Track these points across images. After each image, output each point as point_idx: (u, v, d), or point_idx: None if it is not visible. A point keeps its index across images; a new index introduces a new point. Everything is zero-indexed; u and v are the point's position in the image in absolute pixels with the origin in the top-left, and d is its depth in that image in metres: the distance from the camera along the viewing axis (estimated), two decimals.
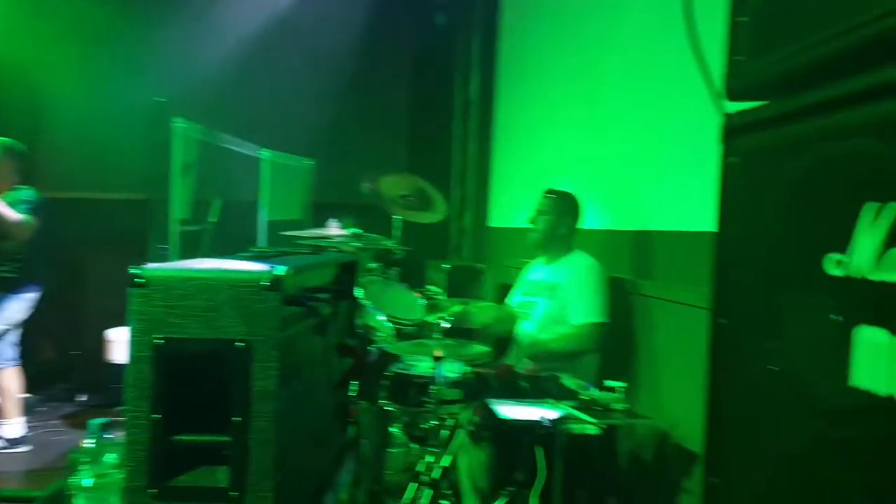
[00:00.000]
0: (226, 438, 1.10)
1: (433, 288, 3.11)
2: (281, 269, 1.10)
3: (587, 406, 2.23)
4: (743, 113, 1.01)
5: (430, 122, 5.43)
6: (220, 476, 1.11)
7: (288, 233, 2.77)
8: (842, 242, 0.76)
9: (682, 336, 2.39)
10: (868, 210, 0.72)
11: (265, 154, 4.47)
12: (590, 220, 2.98)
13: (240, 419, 1.10)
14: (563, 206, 2.84)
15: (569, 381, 2.58)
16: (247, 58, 4.73)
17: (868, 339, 0.72)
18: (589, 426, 2.17)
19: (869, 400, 0.72)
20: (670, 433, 2.40)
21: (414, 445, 2.60)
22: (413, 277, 3.08)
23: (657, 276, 2.66)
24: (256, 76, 4.84)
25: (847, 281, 0.75)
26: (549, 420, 2.14)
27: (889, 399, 0.69)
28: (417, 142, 5.40)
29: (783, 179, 0.89)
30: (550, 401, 2.27)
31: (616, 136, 3.10)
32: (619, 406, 2.24)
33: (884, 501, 0.70)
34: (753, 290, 0.94)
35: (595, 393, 2.29)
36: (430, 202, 3.28)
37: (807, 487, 0.83)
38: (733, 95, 1.03)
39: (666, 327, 2.54)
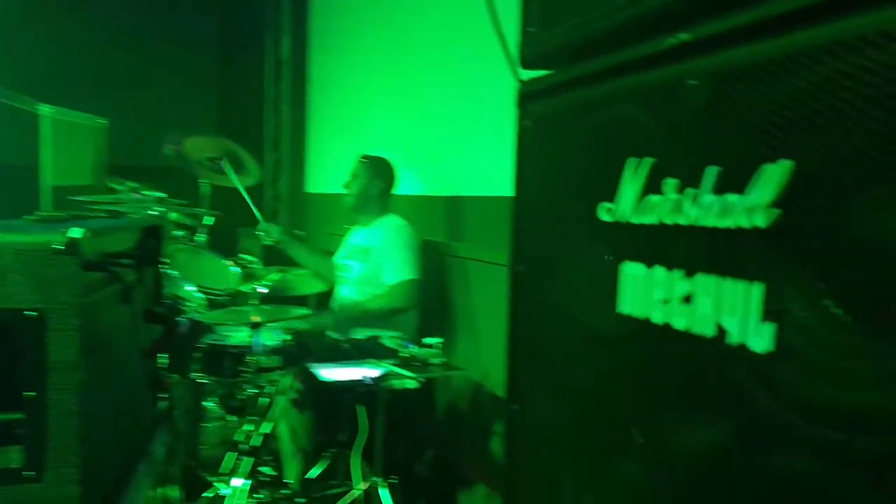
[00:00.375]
0: (18, 416, 1.03)
1: (247, 256, 3.04)
2: (77, 232, 1.04)
3: (407, 363, 2.35)
4: (534, 80, 1.13)
5: (240, 81, 5.20)
6: (13, 456, 1.05)
7: (78, 198, 2.54)
8: (611, 193, 0.90)
9: (492, 292, 2.59)
10: (629, 165, 0.87)
11: (45, 110, 3.99)
12: (406, 185, 3.09)
13: (34, 394, 1.04)
14: (375, 169, 2.91)
15: (388, 341, 2.68)
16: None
17: (630, 273, 0.88)
18: (408, 381, 2.29)
19: (631, 324, 0.88)
20: (484, 383, 2.60)
21: (231, 418, 2.56)
22: (225, 246, 2.98)
23: (469, 238, 2.85)
24: (36, 20, 4.29)
25: (615, 225, 0.90)
26: (371, 378, 2.23)
27: (646, 321, 0.85)
28: (227, 102, 5.15)
29: (568, 141, 1.02)
30: (371, 360, 2.36)
31: (427, 105, 3.22)
32: (437, 360, 2.39)
33: (651, 409, 0.86)
34: (545, 239, 1.08)
35: (414, 350, 2.41)
36: (242, 166, 3.18)
37: (590, 404, 0.99)
38: (526, 64, 1.15)
39: (478, 285, 2.73)
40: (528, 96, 1.13)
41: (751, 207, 0.69)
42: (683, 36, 0.80)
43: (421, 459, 2.70)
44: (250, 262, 2.94)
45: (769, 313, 0.69)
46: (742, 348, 0.71)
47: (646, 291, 0.85)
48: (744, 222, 0.70)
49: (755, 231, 0.69)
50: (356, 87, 4.20)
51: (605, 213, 0.91)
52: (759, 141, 0.69)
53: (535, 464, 1.13)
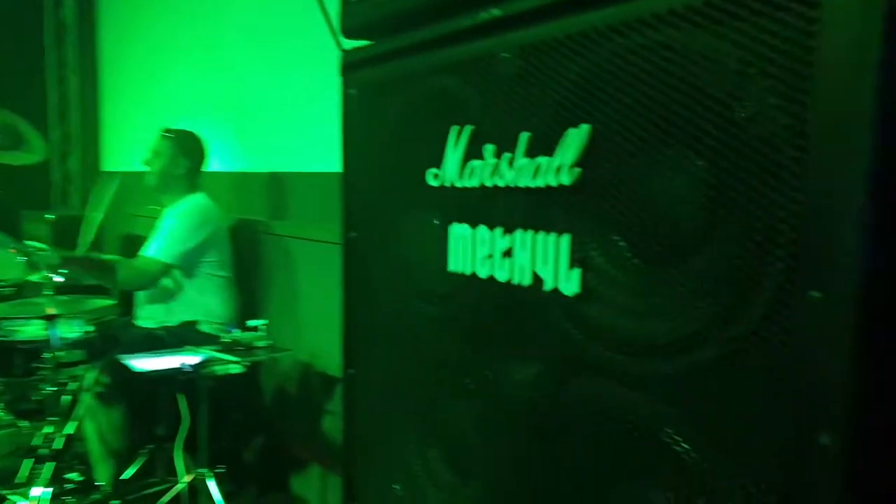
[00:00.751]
0: None
1: (34, 243, 2.74)
2: None
3: (230, 348, 2.30)
4: (357, 50, 1.17)
5: (16, 47, 4.61)
6: None
7: None
8: (438, 159, 0.97)
9: (319, 270, 2.60)
10: (452, 132, 0.94)
11: None
12: (222, 162, 2.97)
13: None
14: (180, 145, 2.76)
15: (207, 327, 2.59)
16: None
17: (457, 233, 0.96)
18: (232, 366, 2.24)
19: (460, 280, 0.96)
20: (312, 362, 2.61)
21: (23, 423, 2.33)
22: (6, 230, 2.67)
23: (292, 216, 2.82)
24: None
25: (442, 189, 0.97)
26: (190, 366, 2.15)
27: (473, 276, 0.94)
28: (2, 70, 4.55)
29: (393, 109, 1.08)
30: (190, 348, 2.27)
31: (243, 75, 3.11)
32: (262, 343, 2.36)
33: (481, 356, 0.95)
34: (376, 205, 1.13)
35: (237, 334, 2.36)
36: (23, 141, 2.85)
37: (423, 361, 1.07)
38: (348, 34, 1.19)
39: (303, 264, 2.72)
40: (351, 65, 1.17)
41: (557, 167, 0.79)
42: (495, 11, 0.89)
43: (249, 446, 2.66)
44: (37, 249, 2.67)
45: (575, 261, 0.80)
46: (555, 293, 0.82)
47: (471, 249, 0.93)
48: (552, 181, 0.80)
49: (561, 188, 0.80)
50: (157, 57, 3.92)
51: (432, 178, 0.99)
52: (563, 108, 0.79)
53: (375, 425, 1.19)
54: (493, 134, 0.89)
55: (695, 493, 0.69)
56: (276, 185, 2.91)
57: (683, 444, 0.70)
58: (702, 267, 0.67)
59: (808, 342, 0.59)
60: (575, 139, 0.77)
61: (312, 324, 2.66)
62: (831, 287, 0.57)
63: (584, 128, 0.76)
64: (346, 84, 1.17)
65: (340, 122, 1.19)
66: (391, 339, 1.13)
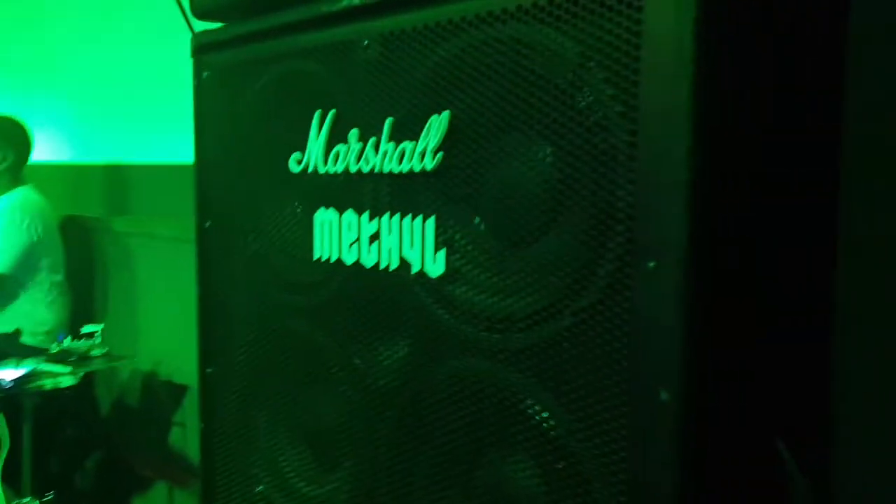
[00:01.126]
0: None
1: None
2: None
3: (61, 358, 2.20)
4: (211, 32, 1.20)
5: None
6: None
7: None
8: (301, 144, 1.03)
9: (163, 269, 2.53)
10: (316, 117, 1.00)
11: None
12: (51, 152, 2.81)
13: None
14: (1, 135, 2.60)
15: (30, 338, 2.46)
16: None
17: (322, 220, 1.02)
18: (63, 378, 2.14)
19: (326, 268, 1.02)
20: (156, 370, 2.55)
21: None
22: None
23: (135, 211, 2.72)
24: None
25: (305, 175, 1.03)
26: (10, 381, 2.04)
27: (338, 262, 1.00)
28: None
29: (251, 93, 1.11)
30: (11, 360, 2.15)
31: (81, 61, 2.95)
32: (98, 351, 2.27)
33: (349, 343, 1.02)
34: (233, 192, 1.16)
35: (69, 342, 2.26)
36: None
37: (289, 354, 1.12)
38: (199, 15, 1.21)
39: (145, 263, 2.63)
40: (204, 47, 1.19)
41: (422, 152, 0.88)
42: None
43: (84, 467, 2.54)
44: None
45: (440, 243, 0.89)
46: (422, 275, 0.90)
47: (337, 236, 1.00)
48: (416, 166, 0.89)
49: (425, 173, 0.88)
50: None
51: (295, 164, 1.04)
52: (425, 95, 0.88)
53: (237, 426, 1.22)
54: (358, 119, 0.96)
55: (555, 458, 0.80)
56: (116, 178, 2.79)
57: (543, 413, 0.81)
58: (553, 245, 0.78)
59: (646, 308, 0.71)
60: (437, 125, 0.86)
61: (156, 328, 2.59)
62: (664, 257, 0.69)
63: (446, 114, 0.85)
64: (199, 67, 1.19)
65: (192, 108, 1.21)
66: (253, 333, 1.16)
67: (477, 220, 0.86)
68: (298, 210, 1.06)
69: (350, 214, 0.98)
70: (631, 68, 0.69)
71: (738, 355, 0.77)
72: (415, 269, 0.91)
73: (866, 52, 0.87)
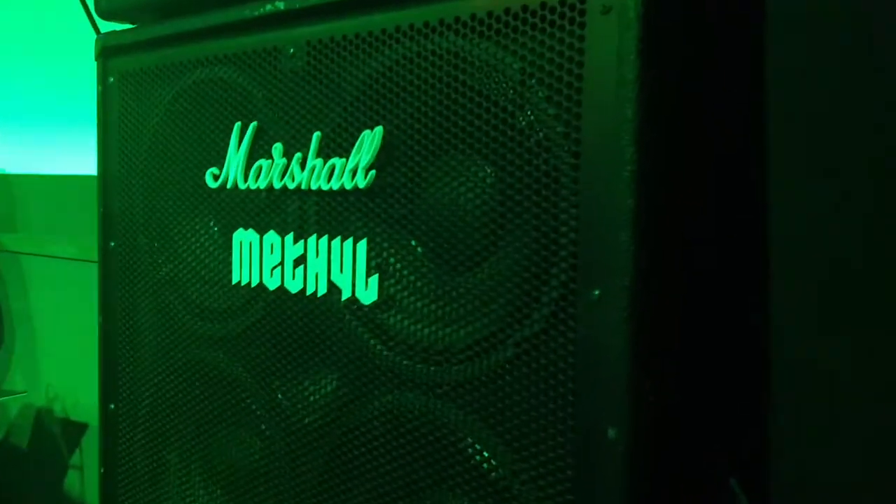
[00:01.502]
0: None
1: None
2: None
3: None
4: (118, 34, 1.16)
5: None
6: None
7: None
8: (219, 158, 1.01)
9: (61, 293, 2.44)
10: (236, 129, 0.99)
11: None
12: None
13: None
14: None
15: None
16: None
17: (242, 240, 1.00)
18: None
19: (244, 294, 1.00)
20: (51, 406, 2.44)
21: None
22: None
23: (24, 228, 2.62)
24: None
25: (223, 192, 1.01)
26: None
27: (259, 287, 0.98)
28: None
29: (163, 101, 1.09)
30: None
31: None
32: None
33: (270, 374, 1.00)
34: (142, 209, 1.13)
35: None
36: None
37: (202, 389, 1.09)
38: (104, 16, 1.17)
39: (39, 286, 2.54)
40: (110, 50, 1.16)
41: (352, 169, 0.87)
42: (280, 4, 0.95)
43: None
44: None
45: (372, 267, 0.88)
46: (353, 302, 0.89)
47: (258, 259, 0.98)
48: (347, 184, 0.88)
49: (357, 191, 0.88)
50: None
51: (212, 179, 1.02)
52: (357, 109, 0.87)
53: (143, 469, 1.18)
54: (283, 132, 0.95)
55: (497, 501, 0.80)
56: (2, 190, 2.68)
57: (484, 453, 0.81)
58: (494, 271, 0.79)
59: (592, 339, 0.72)
60: (369, 141, 0.86)
61: (51, 359, 2.49)
62: (610, 284, 0.71)
63: (379, 130, 0.85)
64: (103, 71, 1.15)
65: (98, 112, 1.17)
66: (162, 365, 1.13)
67: (413, 243, 0.86)
68: (215, 230, 1.04)
69: (272, 235, 0.96)
70: (574, 87, 0.70)
71: (689, 389, 0.79)
72: (345, 295, 0.90)
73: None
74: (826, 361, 0.94)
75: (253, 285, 0.99)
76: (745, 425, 0.90)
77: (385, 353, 0.88)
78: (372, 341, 0.89)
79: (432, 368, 0.84)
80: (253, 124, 0.97)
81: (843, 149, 0.84)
